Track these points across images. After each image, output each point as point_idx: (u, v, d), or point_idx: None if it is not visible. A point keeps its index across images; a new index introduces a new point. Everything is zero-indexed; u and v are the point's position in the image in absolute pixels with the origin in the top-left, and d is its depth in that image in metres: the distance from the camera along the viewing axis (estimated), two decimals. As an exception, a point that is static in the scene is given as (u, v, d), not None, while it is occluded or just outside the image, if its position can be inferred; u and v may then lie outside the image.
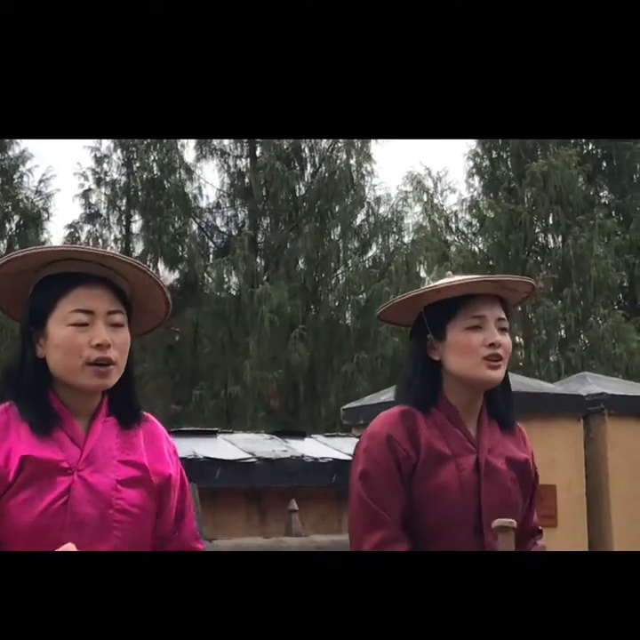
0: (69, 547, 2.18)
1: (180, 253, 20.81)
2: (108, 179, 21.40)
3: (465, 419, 2.77)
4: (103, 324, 2.36)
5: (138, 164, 21.21)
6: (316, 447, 5.93)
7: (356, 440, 6.15)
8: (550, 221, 20.62)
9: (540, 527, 2.92)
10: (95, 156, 21.25)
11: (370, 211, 21.33)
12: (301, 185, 21.09)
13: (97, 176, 21.38)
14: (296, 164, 21.01)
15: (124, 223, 21.49)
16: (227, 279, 20.62)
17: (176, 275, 20.69)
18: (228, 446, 5.48)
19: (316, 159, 21.35)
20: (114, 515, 2.34)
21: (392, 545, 2.61)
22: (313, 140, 20.99)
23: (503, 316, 2.77)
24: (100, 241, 20.74)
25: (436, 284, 2.80)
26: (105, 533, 2.32)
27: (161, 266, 20.30)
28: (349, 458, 5.74)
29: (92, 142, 20.99)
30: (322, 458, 5.71)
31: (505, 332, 2.76)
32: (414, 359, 2.80)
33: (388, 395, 7.26)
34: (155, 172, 21.02)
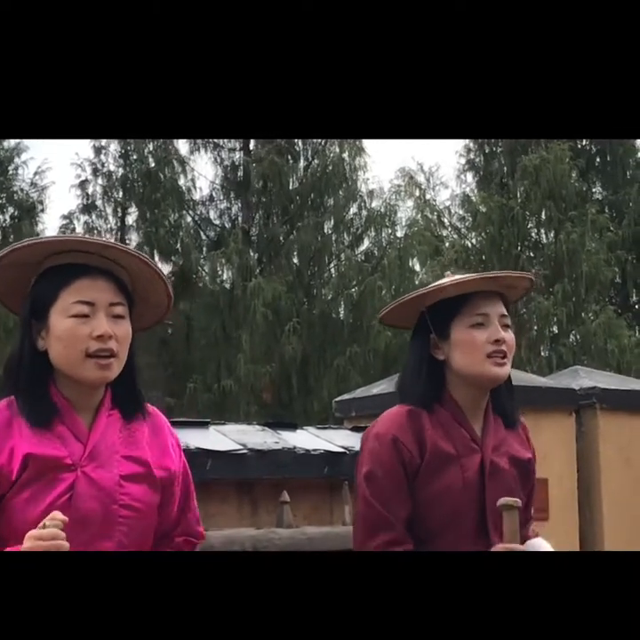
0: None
1: (175, 246, 20.78)
2: (104, 170, 21.38)
3: (470, 417, 2.78)
4: (104, 315, 2.35)
5: (135, 156, 21.17)
6: (308, 439, 5.93)
7: (348, 432, 6.17)
8: (543, 216, 20.63)
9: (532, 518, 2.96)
10: (94, 146, 21.23)
11: (362, 204, 21.35)
12: (295, 178, 21.08)
13: (94, 167, 21.38)
14: (290, 157, 21.00)
15: (120, 215, 21.46)
16: (220, 272, 20.62)
17: (171, 267, 20.66)
18: (219, 437, 5.49)
19: (309, 152, 21.35)
20: (118, 510, 2.34)
21: (396, 547, 2.62)
22: (307, 134, 20.93)
23: (505, 312, 2.79)
24: (95, 232, 20.71)
25: (439, 283, 2.80)
26: (109, 529, 2.32)
27: (156, 258, 20.25)
28: (341, 450, 5.79)
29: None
30: (314, 450, 5.72)
31: (508, 329, 2.77)
32: (417, 359, 2.80)
33: (379, 388, 7.28)
34: (151, 164, 20.99)
